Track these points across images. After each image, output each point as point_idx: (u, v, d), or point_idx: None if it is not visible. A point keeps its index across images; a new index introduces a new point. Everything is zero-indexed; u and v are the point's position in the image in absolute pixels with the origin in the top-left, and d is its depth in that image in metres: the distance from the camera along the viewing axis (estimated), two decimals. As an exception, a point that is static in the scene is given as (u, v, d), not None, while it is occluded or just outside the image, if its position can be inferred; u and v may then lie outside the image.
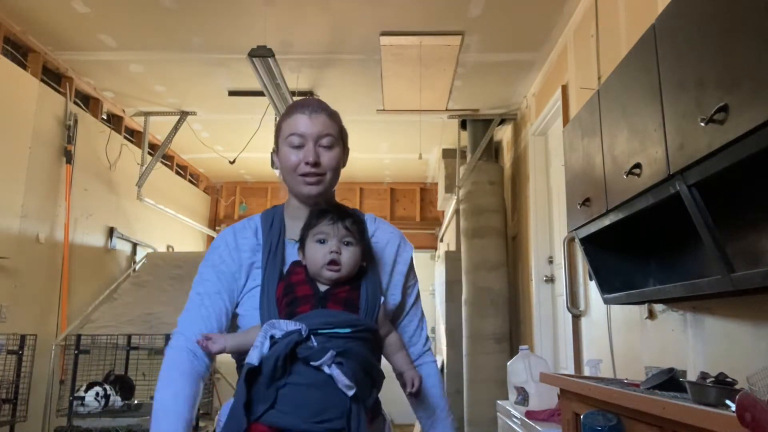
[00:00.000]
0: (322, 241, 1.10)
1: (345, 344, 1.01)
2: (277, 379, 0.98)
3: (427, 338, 1.33)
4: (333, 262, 1.08)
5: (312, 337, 1.00)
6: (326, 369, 0.97)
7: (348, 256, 1.09)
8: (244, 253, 1.20)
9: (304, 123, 1.19)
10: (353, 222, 1.12)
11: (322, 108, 1.23)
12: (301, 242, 1.13)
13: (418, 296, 1.33)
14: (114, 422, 3.72)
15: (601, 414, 1.56)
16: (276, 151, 1.26)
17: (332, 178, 1.22)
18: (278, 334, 1.00)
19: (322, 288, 1.09)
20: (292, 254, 1.19)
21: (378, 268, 1.22)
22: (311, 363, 0.97)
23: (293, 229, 1.21)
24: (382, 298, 1.14)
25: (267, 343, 1.00)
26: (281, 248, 1.19)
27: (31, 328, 3.72)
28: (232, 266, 1.19)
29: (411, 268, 1.31)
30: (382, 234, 1.28)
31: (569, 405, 1.90)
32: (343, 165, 1.27)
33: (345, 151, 1.27)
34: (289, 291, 1.10)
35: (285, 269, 1.16)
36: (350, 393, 0.96)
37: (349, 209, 1.16)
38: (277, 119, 4.73)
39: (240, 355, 1.09)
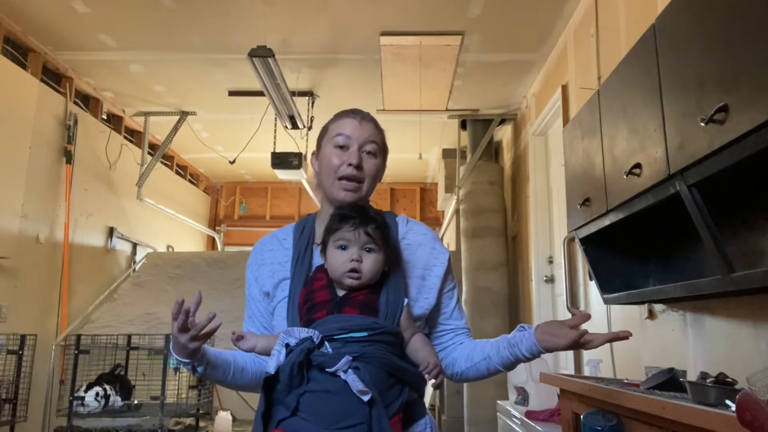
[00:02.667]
0: (343, 248, 1.08)
1: (362, 348, 1.00)
2: (295, 386, 0.98)
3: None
4: (353, 270, 1.06)
5: (327, 343, 1.00)
6: (342, 375, 0.96)
7: (369, 263, 1.07)
8: (269, 266, 1.23)
9: (352, 126, 1.21)
10: (376, 228, 1.09)
11: (372, 119, 1.25)
12: (323, 246, 1.13)
13: (458, 299, 1.28)
14: (114, 422, 3.71)
15: (601, 414, 1.56)
16: (316, 154, 1.26)
17: (369, 187, 1.22)
18: (293, 341, 1.01)
19: (341, 292, 1.08)
20: (319, 260, 1.18)
21: (405, 270, 1.19)
22: (326, 369, 0.97)
23: (321, 235, 1.20)
24: (406, 301, 1.11)
25: (283, 352, 1.00)
26: (309, 255, 1.19)
27: (31, 328, 3.72)
28: (256, 286, 1.25)
29: (448, 271, 1.25)
30: (414, 236, 1.25)
31: (569, 405, 1.90)
32: (380, 179, 1.27)
33: (384, 165, 1.28)
34: (309, 297, 1.10)
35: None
36: (365, 398, 0.94)
37: (373, 213, 1.14)
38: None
39: None
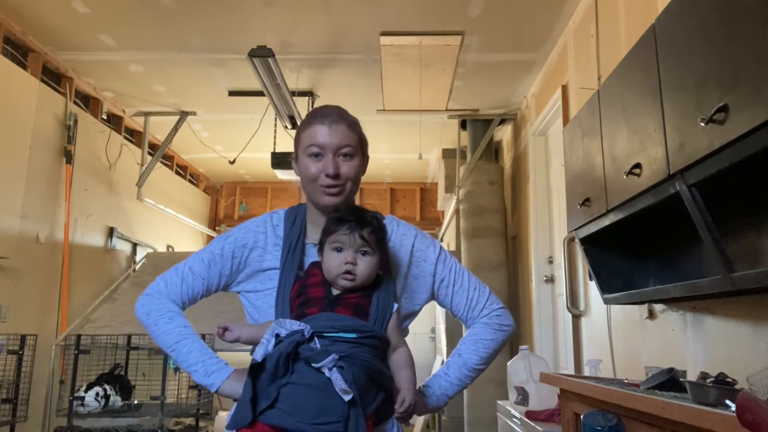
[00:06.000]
0: (338, 249, 1.10)
1: (349, 349, 1.01)
2: (279, 377, 1.00)
3: (488, 301, 1.26)
4: (348, 272, 1.08)
5: (316, 339, 1.02)
6: (326, 372, 0.98)
7: (363, 266, 1.09)
8: (259, 250, 1.23)
9: (323, 134, 1.18)
10: (371, 231, 1.11)
11: (342, 117, 1.21)
12: (320, 246, 1.14)
13: (459, 275, 1.26)
14: (114, 422, 3.71)
15: (601, 414, 1.56)
16: (295, 159, 1.26)
17: (352, 188, 1.22)
18: (283, 333, 1.02)
19: (335, 291, 1.10)
20: (310, 256, 1.20)
21: (393, 273, 1.20)
22: (312, 364, 0.98)
23: (313, 232, 1.22)
24: (396, 306, 1.12)
25: (272, 341, 1.02)
26: (300, 249, 1.21)
27: (31, 328, 3.72)
28: (225, 260, 1.23)
29: (436, 261, 1.25)
30: (396, 237, 1.26)
31: (569, 405, 1.90)
32: (363, 172, 1.27)
33: (365, 159, 1.28)
34: (302, 291, 1.12)
35: (303, 270, 1.18)
36: (346, 398, 0.96)
37: (369, 216, 1.14)
38: (281, 124, 4.74)
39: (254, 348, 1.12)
